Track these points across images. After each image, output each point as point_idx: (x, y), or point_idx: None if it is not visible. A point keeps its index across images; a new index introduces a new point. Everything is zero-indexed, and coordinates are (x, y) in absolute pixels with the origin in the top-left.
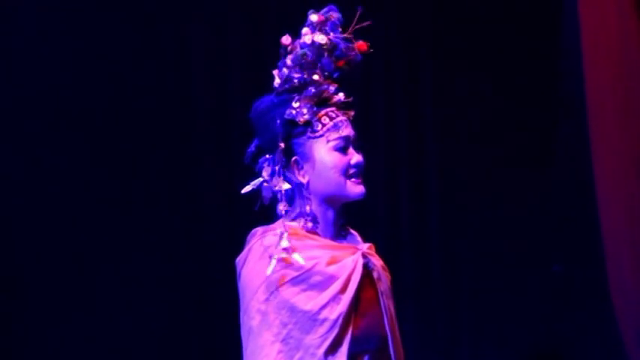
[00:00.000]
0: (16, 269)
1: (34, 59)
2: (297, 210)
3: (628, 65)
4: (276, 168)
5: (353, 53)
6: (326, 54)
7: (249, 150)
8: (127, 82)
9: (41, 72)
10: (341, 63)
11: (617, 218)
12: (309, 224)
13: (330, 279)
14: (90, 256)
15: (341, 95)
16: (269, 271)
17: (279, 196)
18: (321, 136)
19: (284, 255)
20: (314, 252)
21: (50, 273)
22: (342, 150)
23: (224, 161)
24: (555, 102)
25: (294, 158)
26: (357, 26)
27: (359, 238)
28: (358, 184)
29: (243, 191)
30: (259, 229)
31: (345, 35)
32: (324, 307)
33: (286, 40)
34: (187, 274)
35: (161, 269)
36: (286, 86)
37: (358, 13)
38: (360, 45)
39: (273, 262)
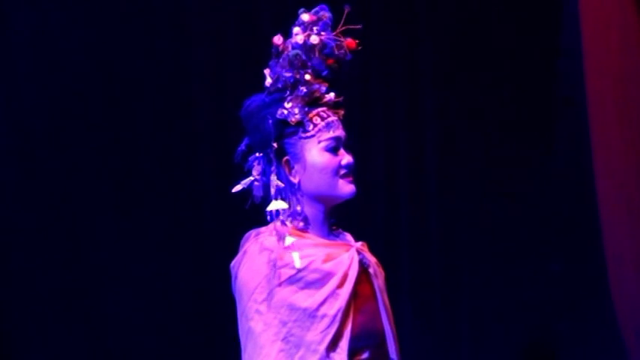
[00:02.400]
0: (14, 267)
1: (34, 60)
2: (289, 209)
3: (628, 65)
4: (272, 168)
5: (342, 51)
6: (317, 54)
7: (239, 148)
8: (127, 81)
9: (41, 71)
10: (330, 61)
11: (617, 218)
12: (301, 224)
13: (327, 276)
14: (89, 257)
15: (331, 95)
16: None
17: (272, 195)
18: (312, 136)
19: (284, 251)
20: (309, 250)
21: (49, 272)
22: (333, 150)
23: (223, 160)
24: (555, 102)
25: (285, 158)
26: (345, 26)
27: (350, 237)
28: (349, 182)
29: (233, 190)
30: (253, 232)
31: (335, 34)
32: (322, 303)
33: (278, 39)
34: (187, 273)
35: (160, 269)
36: (278, 85)
37: (346, 11)
38: (349, 43)
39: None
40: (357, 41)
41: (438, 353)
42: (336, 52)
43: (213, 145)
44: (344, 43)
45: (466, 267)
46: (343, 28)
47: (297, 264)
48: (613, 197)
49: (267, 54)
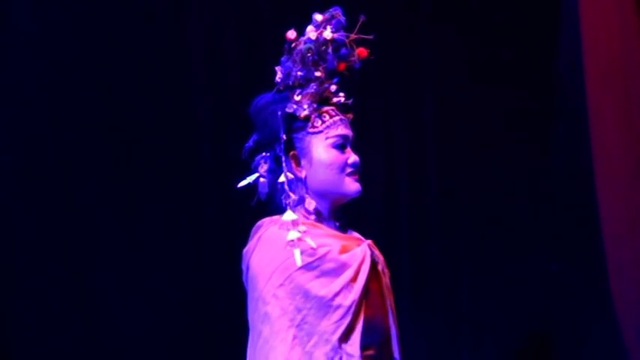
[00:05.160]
0: (11, 267)
1: (33, 61)
2: (297, 202)
3: (628, 65)
4: (283, 159)
5: (353, 59)
6: (330, 51)
7: (246, 145)
8: (127, 80)
9: (41, 72)
10: (342, 67)
11: (617, 218)
12: (312, 217)
13: (343, 266)
14: (89, 257)
15: (341, 96)
16: (298, 262)
17: (281, 186)
18: (320, 132)
19: (297, 236)
20: (325, 240)
21: (48, 271)
22: (340, 148)
23: (223, 159)
24: (555, 101)
25: (292, 153)
26: (359, 35)
27: (358, 235)
28: (355, 181)
29: (238, 185)
30: (266, 220)
31: (348, 34)
32: (337, 293)
33: (291, 34)
34: (186, 274)
35: (160, 268)
36: (288, 82)
37: (360, 20)
38: (361, 51)
39: (297, 251)
40: (368, 50)
41: (438, 352)
42: (348, 58)
43: (212, 142)
44: (356, 51)
45: (466, 267)
46: (355, 36)
47: (313, 244)
48: (613, 197)
49: (266, 53)
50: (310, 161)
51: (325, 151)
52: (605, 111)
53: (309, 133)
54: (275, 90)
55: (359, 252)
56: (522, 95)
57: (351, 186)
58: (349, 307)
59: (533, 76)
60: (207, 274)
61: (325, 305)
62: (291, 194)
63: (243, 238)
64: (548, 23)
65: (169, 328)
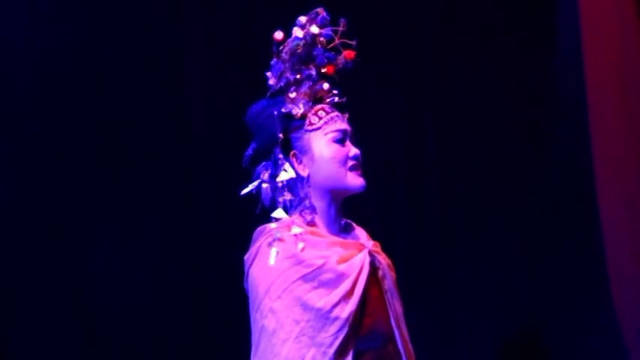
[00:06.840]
0: (9, 265)
1: (31, 60)
2: (298, 202)
3: (628, 65)
4: (280, 157)
5: (342, 61)
6: (319, 46)
7: (246, 153)
8: (125, 83)
9: (38, 74)
10: (331, 70)
11: (617, 218)
12: (309, 216)
13: (341, 277)
14: (87, 260)
15: (335, 94)
16: (271, 261)
17: (280, 186)
18: (318, 128)
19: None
20: (323, 251)
21: (44, 274)
22: (340, 142)
23: (221, 164)
24: (555, 101)
25: (292, 152)
26: (346, 35)
27: (365, 235)
28: (358, 176)
29: (242, 193)
30: (267, 227)
31: (335, 29)
32: (335, 305)
33: (279, 35)
34: (184, 276)
35: (157, 270)
36: (281, 84)
37: (342, 23)
38: (348, 54)
39: (273, 250)
40: (355, 52)
41: (436, 350)
42: (336, 61)
43: (209, 146)
44: (343, 54)
45: (465, 266)
46: (340, 41)
47: (299, 248)
48: (613, 196)
49: (264, 55)
50: (312, 158)
51: (326, 146)
52: (606, 111)
53: (307, 130)
54: (268, 95)
55: (357, 261)
56: (522, 95)
57: (356, 181)
58: (347, 320)
59: (533, 76)
60: (207, 276)
61: (323, 317)
62: (287, 194)
63: (245, 240)
64: (547, 23)
65: (169, 329)
